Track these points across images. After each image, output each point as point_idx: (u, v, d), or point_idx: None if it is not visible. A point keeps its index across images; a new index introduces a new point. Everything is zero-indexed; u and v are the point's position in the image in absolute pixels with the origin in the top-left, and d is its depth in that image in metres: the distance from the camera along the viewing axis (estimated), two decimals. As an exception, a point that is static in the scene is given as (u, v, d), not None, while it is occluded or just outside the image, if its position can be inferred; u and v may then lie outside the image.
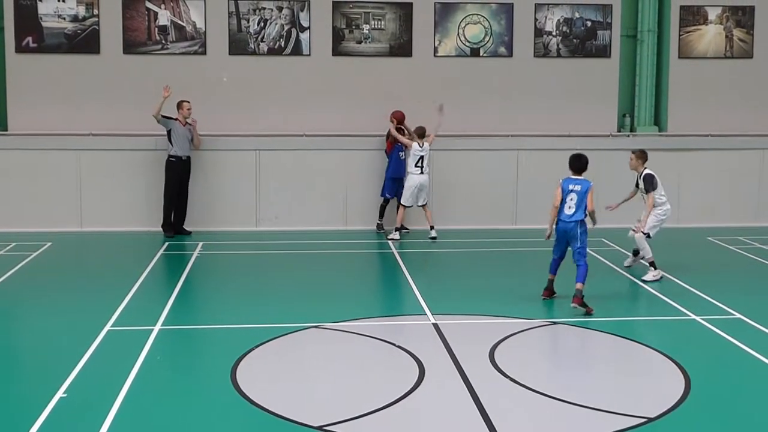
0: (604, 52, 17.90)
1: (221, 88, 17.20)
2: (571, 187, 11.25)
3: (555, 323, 10.60)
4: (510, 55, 17.70)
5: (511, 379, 8.56)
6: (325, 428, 7.36)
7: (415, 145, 15.74)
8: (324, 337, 10.05)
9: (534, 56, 17.76)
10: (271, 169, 17.02)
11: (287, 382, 8.60)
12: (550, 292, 11.62)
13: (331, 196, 17.16)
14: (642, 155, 13.09)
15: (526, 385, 8.46)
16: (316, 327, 10.33)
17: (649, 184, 12.85)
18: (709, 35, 18.13)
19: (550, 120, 17.67)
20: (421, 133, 15.81)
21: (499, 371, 8.83)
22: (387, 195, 16.53)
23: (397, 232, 15.83)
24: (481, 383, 8.46)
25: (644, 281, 12.61)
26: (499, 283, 12.79)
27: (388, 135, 16.40)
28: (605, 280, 12.96)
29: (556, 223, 11.31)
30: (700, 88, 18.07)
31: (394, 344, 9.63)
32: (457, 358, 9.20)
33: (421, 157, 15.71)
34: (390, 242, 15.65)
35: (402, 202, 15.95)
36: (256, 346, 9.53)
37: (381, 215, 16.69)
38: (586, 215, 11.15)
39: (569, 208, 11.17)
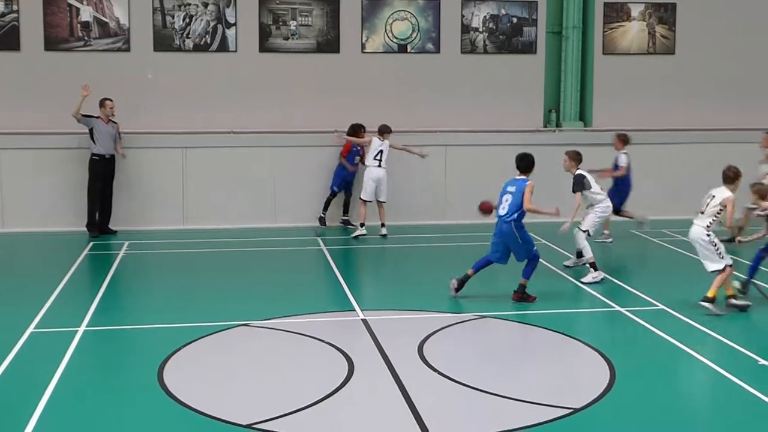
0: (530, 48, 18.08)
1: (146, 86, 16.95)
2: (508, 188, 11.29)
3: (483, 317, 10.68)
4: (437, 51, 17.76)
5: (443, 375, 8.60)
6: (254, 426, 7.31)
7: (375, 139, 15.86)
8: (253, 335, 9.99)
9: (461, 52, 17.84)
10: (198, 167, 16.84)
11: (215, 380, 8.52)
12: (461, 285, 11.50)
13: (260, 194, 17.05)
14: (576, 156, 12.88)
15: (454, 378, 8.50)
16: (245, 325, 10.25)
17: (578, 184, 12.72)
18: (633, 32, 18.42)
19: (477, 116, 17.78)
20: (383, 130, 15.85)
21: (428, 365, 8.86)
22: (335, 189, 16.54)
23: (363, 228, 15.89)
24: (410, 378, 8.48)
25: (583, 283, 12.35)
26: (429, 278, 12.84)
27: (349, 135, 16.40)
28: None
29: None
30: (624, 84, 18.34)
31: (323, 341, 9.61)
32: (387, 353, 9.21)
33: (381, 152, 15.77)
34: (319, 239, 15.60)
35: (362, 196, 15.89)
36: (184, 346, 9.42)
37: (326, 208, 16.62)
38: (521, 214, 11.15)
39: (503, 208, 11.23)
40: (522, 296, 11.27)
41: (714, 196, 10.84)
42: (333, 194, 16.64)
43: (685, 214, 17.41)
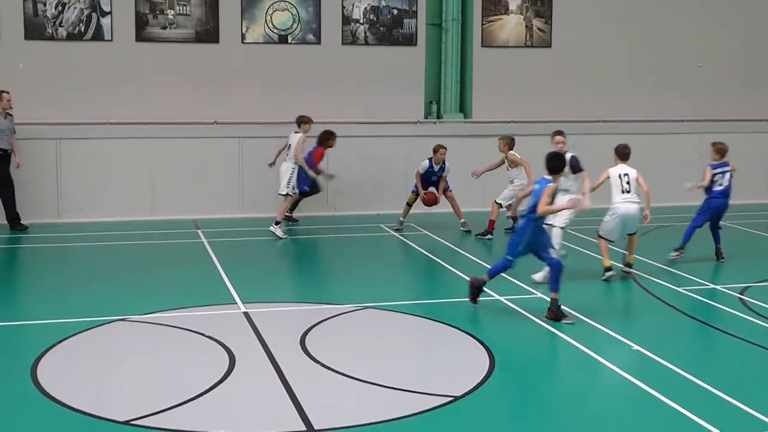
0: (410, 40, 18.19)
1: (17, 76, 16.37)
2: (536, 185, 10.52)
3: (365, 308, 10.70)
4: (318, 42, 17.71)
5: (324, 366, 8.59)
6: (132, 423, 7.16)
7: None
8: (131, 330, 9.78)
9: (342, 44, 17.83)
10: (72, 159, 16.37)
11: (91, 377, 8.31)
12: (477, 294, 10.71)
13: (137, 186, 16.68)
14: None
15: (336, 369, 8.50)
16: (122, 320, 10.03)
17: (576, 165, 12.31)
18: (510, 25, 18.73)
19: (358, 107, 17.80)
20: (298, 121, 15.46)
21: (310, 357, 8.84)
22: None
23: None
24: (291, 370, 8.45)
25: (536, 282, 11.87)
26: (310, 269, 12.82)
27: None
28: (413, 263, 13.20)
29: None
30: (503, 76, 18.64)
31: (203, 334, 9.47)
32: (268, 345, 9.15)
33: (289, 145, 15.40)
34: (200, 232, 15.36)
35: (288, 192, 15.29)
36: (58, 342, 9.15)
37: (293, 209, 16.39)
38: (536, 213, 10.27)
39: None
40: (556, 314, 10.15)
41: (627, 174, 12.16)
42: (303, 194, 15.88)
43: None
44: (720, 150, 13.23)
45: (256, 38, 17.46)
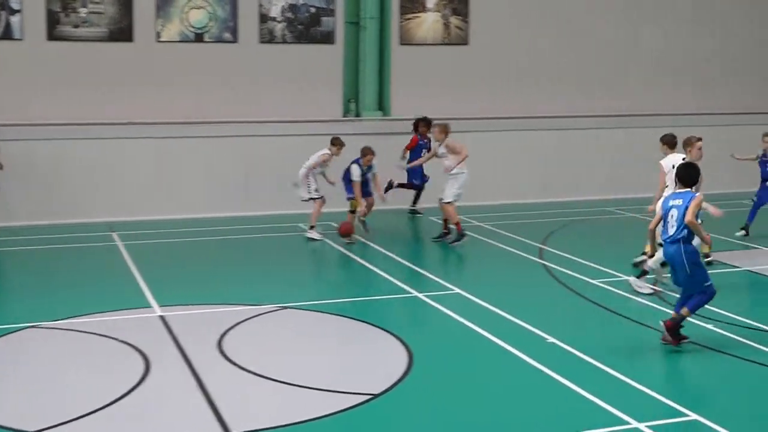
0: (328, 38, 18.14)
1: None
2: (672, 202, 9.30)
3: (284, 308, 10.64)
4: (235, 40, 17.53)
5: (241, 368, 8.51)
6: (42, 432, 7.00)
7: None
8: (43, 337, 9.56)
9: (259, 42, 17.69)
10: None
11: (1, 386, 8.10)
12: (675, 335, 9.23)
13: (47, 188, 16.24)
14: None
15: (254, 371, 8.45)
16: (33, 327, 9.80)
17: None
18: (428, 22, 18.80)
19: (277, 106, 17.67)
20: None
21: (227, 359, 8.76)
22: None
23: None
24: (208, 373, 8.36)
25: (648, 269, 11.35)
26: (228, 270, 12.70)
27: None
28: (331, 262, 13.17)
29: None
30: (421, 74, 18.69)
31: (117, 340, 9.31)
32: (184, 349, 9.03)
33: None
34: (114, 235, 15.08)
35: None
36: (-34, 351, 8.91)
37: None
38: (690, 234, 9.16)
39: (671, 227, 9.21)
40: (674, 327, 9.20)
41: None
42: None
43: (482, 200, 18.07)
44: None
45: (171, 37, 17.21)
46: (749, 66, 20.88)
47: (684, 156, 11.87)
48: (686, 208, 9.03)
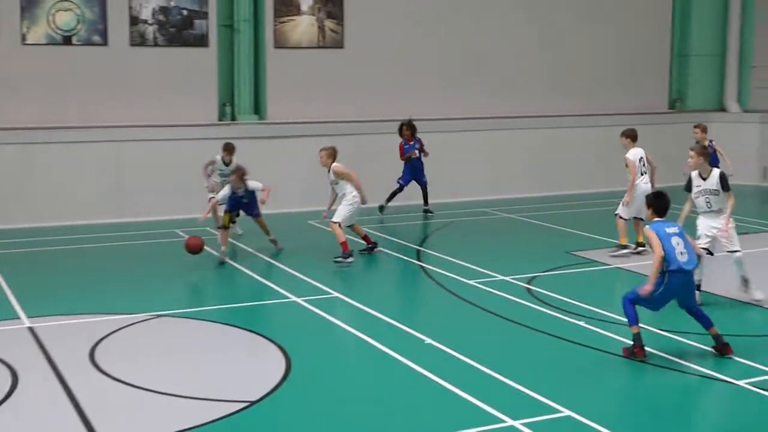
0: (201, 41, 17.89)
1: None
2: (668, 229, 8.94)
3: (159, 316, 10.43)
4: (105, 43, 17.11)
5: (115, 378, 8.30)
6: None
7: None
8: None
9: (130, 45, 17.31)
10: None
11: None
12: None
13: None
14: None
15: (127, 381, 8.25)
16: None
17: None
18: (303, 25, 18.74)
19: (149, 110, 17.33)
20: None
21: (99, 371, 8.53)
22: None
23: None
24: (80, 385, 8.13)
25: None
26: (101, 279, 12.38)
27: None
28: (208, 269, 12.98)
29: (667, 277, 8.79)
30: (297, 77, 18.62)
31: (-18, 353, 8.96)
32: (54, 361, 8.76)
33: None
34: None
35: None
36: None
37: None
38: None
39: (683, 254, 8.79)
40: (724, 345, 8.98)
41: (642, 157, 13.25)
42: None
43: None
44: None
45: (37, 39, 16.68)
46: (640, 67, 21.57)
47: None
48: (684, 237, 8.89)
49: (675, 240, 8.81)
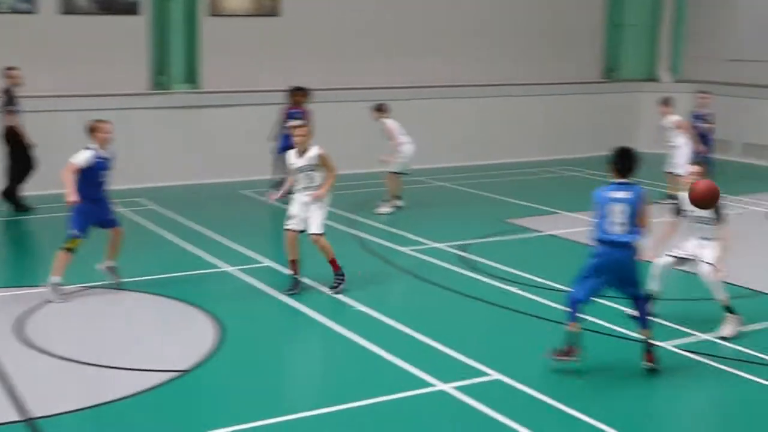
0: (133, 9, 17.56)
1: None
2: (613, 194, 7.72)
3: (88, 287, 10.28)
4: (33, 11, 16.73)
5: (43, 351, 8.19)
6: None
7: None
8: None
9: (59, 13, 16.93)
10: None
11: None
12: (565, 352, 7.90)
13: None
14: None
15: (56, 353, 8.16)
16: None
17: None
18: (238, -7, 18.52)
19: (79, 79, 16.97)
20: None
21: (26, 343, 8.41)
22: None
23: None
24: (5, 358, 8.00)
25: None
26: (26, 251, 12.21)
27: None
28: (138, 238, 12.83)
29: (596, 247, 7.85)
30: (233, 45, 18.38)
31: None
32: (-20, 334, 8.62)
33: None
34: None
35: None
36: None
37: None
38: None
39: (617, 225, 7.66)
40: (652, 356, 8.01)
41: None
42: None
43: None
44: None
45: (-40, 7, 16.26)
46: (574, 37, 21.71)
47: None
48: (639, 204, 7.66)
49: (618, 207, 7.64)
